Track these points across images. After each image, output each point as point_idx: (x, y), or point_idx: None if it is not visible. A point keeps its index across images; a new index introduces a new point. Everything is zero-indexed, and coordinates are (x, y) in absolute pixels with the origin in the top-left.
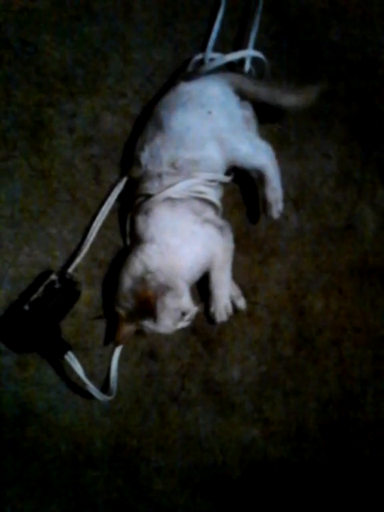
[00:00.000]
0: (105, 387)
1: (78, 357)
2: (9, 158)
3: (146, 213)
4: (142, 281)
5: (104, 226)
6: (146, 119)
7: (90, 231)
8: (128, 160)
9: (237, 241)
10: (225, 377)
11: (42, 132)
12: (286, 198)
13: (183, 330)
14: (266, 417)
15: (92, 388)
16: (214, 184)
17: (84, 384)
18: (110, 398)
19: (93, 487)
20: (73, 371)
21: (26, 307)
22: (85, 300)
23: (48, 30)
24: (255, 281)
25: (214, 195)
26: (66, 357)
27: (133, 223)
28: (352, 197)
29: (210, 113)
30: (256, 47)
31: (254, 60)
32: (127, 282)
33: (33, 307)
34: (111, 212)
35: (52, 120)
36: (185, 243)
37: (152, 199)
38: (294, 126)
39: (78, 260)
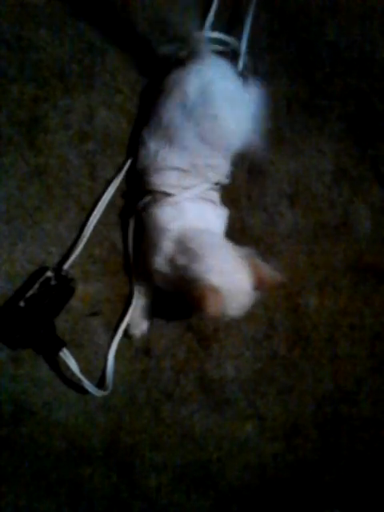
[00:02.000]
0: (100, 383)
1: (72, 353)
2: (3, 154)
3: (170, 205)
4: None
5: (100, 222)
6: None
7: (86, 227)
8: (132, 148)
9: (232, 238)
10: (220, 373)
11: (37, 128)
12: (282, 195)
13: (178, 326)
14: (260, 413)
15: (87, 384)
16: (218, 187)
17: (79, 380)
18: (105, 393)
19: (87, 483)
20: (68, 367)
21: (22, 303)
22: (80, 296)
23: (44, 25)
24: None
25: (217, 197)
26: (61, 353)
27: (149, 216)
28: (347, 194)
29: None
30: (252, 45)
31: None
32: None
33: (28, 303)
34: (107, 208)
35: (47, 116)
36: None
37: (174, 199)
38: (290, 123)
39: (73, 257)
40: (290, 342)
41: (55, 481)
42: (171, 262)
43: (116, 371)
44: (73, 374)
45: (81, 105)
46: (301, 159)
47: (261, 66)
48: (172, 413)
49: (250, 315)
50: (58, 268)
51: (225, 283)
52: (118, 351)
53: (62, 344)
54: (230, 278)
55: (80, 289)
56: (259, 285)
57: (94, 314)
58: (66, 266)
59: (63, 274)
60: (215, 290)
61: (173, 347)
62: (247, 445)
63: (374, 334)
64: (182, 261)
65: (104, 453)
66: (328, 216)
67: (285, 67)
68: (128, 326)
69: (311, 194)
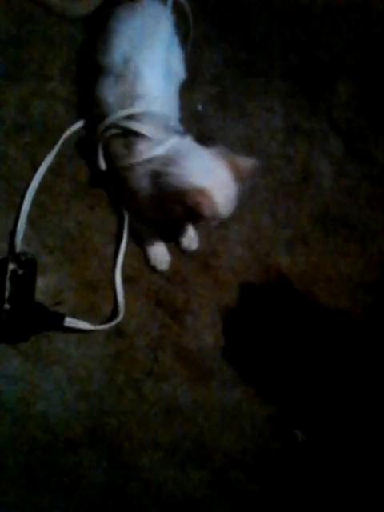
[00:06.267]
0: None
1: (42, 343)
2: None
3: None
4: None
5: (50, 211)
6: None
7: (24, 203)
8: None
9: None
10: (198, 344)
11: None
12: None
13: (147, 304)
14: (247, 378)
15: (106, 326)
16: None
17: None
18: (119, 319)
19: (76, 472)
20: (39, 359)
21: (7, 306)
22: (41, 289)
23: None
24: (215, 245)
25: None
26: (66, 324)
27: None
28: (304, 148)
29: None
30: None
31: None
32: None
33: (12, 302)
34: (57, 194)
35: None
36: None
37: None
38: (232, 86)
39: (19, 236)
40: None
41: (44, 474)
42: (156, 184)
43: (90, 356)
44: (47, 363)
45: (12, 98)
46: (249, 121)
47: (195, 33)
48: (154, 390)
49: (220, 283)
50: (15, 256)
51: (210, 182)
52: (87, 337)
53: (62, 315)
54: (212, 175)
55: (40, 281)
56: (238, 175)
57: (58, 304)
58: (18, 249)
59: (22, 258)
60: (204, 191)
61: (145, 325)
62: (238, 411)
63: (353, 283)
64: (165, 177)
65: (89, 439)
66: (287, 173)
67: (219, 31)
68: (155, 265)
69: (266, 153)
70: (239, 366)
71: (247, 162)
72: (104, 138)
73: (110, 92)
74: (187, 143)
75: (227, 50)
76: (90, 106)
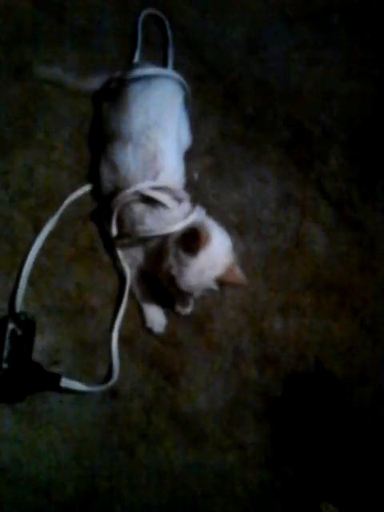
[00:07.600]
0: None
1: (37, 402)
2: None
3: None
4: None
5: (50, 273)
6: None
7: (25, 264)
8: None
9: None
10: (192, 407)
11: None
12: (229, 226)
13: (142, 365)
14: (239, 442)
15: (101, 387)
16: None
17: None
18: (113, 382)
19: None
20: (34, 419)
21: (5, 365)
22: (38, 349)
23: None
24: (209, 309)
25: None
26: (62, 384)
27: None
28: (295, 216)
29: None
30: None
31: None
32: None
33: (10, 362)
34: (58, 257)
35: None
36: None
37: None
38: (227, 157)
39: (19, 298)
40: (259, 367)
41: None
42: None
43: (83, 418)
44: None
45: (18, 164)
46: (243, 190)
47: (192, 108)
48: (148, 453)
49: (214, 346)
50: (15, 316)
51: (216, 238)
52: (82, 398)
53: (58, 376)
54: (220, 247)
55: (38, 341)
56: (226, 275)
57: (55, 363)
58: (18, 309)
59: (22, 318)
60: (210, 238)
61: (140, 387)
62: (231, 476)
63: (346, 347)
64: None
65: (81, 502)
66: (279, 240)
67: (215, 106)
68: (151, 327)
69: (258, 221)
70: (231, 431)
71: (240, 276)
72: (121, 204)
73: (130, 160)
74: (209, 220)
75: (222, 123)
76: (96, 174)
